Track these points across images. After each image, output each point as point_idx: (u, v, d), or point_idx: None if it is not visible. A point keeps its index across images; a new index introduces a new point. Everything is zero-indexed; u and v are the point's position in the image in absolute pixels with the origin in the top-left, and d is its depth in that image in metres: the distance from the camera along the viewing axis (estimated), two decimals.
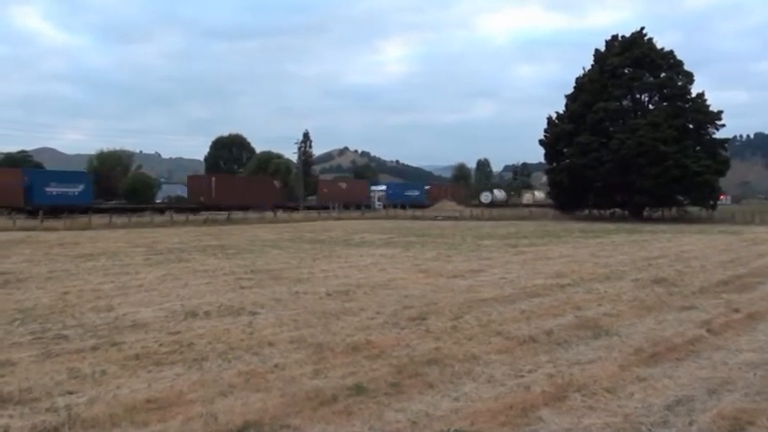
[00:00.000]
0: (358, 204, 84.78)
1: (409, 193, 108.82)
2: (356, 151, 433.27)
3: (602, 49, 64.96)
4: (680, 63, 61.79)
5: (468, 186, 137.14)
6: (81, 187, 67.21)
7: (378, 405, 6.53)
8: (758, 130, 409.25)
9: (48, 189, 63.18)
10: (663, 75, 61.49)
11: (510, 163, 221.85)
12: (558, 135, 64.40)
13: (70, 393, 6.85)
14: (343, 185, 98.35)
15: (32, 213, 52.22)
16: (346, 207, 77.79)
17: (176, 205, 71.80)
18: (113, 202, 78.75)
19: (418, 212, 74.85)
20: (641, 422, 6.10)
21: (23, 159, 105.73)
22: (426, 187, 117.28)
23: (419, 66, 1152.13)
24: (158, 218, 55.34)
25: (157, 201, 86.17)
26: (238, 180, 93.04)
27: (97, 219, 50.20)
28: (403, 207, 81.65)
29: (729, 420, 6.16)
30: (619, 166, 57.42)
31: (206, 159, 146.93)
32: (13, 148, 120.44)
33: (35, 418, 6.10)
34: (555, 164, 66.54)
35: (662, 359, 8.42)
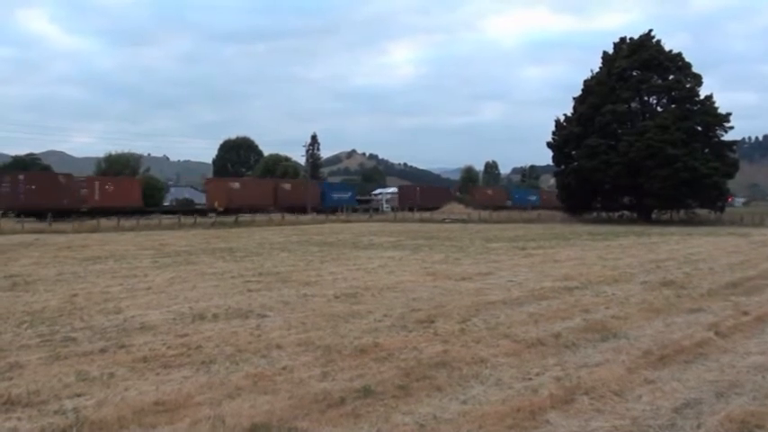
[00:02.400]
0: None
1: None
2: (364, 154, 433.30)
3: (610, 51, 65.04)
4: (688, 65, 61.81)
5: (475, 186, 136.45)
6: (350, 194, 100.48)
7: (385, 408, 6.53)
8: (767, 132, 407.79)
9: (333, 195, 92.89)
10: (671, 77, 61.53)
11: (518, 165, 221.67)
12: (566, 137, 64.45)
13: (78, 396, 6.86)
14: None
15: (321, 212, 75.45)
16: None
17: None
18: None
19: (426, 215, 74.75)
20: (649, 425, 6.09)
21: (32, 162, 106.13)
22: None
23: (427, 68, 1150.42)
24: (166, 220, 55.38)
25: (165, 204, 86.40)
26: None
27: (105, 221, 50.30)
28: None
29: (737, 423, 6.13)
30: (627, 169, 57.43)
31: (214, 162, 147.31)
32: (22, 150, 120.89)
33: (43, 421, 6.11)
34: (563, 166, 66.64)
35: (670, 362, 8.39)
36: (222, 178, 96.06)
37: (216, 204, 73.88)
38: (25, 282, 16.32)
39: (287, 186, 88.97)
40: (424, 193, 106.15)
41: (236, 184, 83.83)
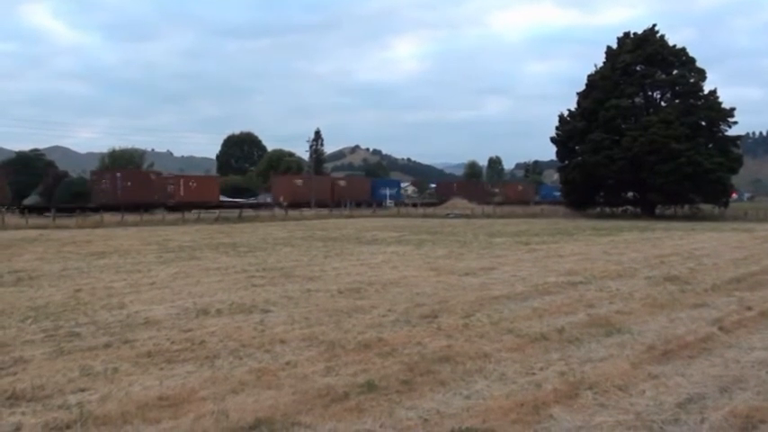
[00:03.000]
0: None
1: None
2: (368, 149, 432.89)
3: (614, 46, 64.82)
4: (692, 60, 61.65)
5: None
6: (396, 189, 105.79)
7: (389, 403, 6.53)
8: None
9: (380, 191, 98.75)
10: (675, 72, 61.36)
11: (522, 160, 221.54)
12: (569, 132, 64.33)
13: (82, 391, 6.87)
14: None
15: (370, 206, 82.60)
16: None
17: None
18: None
19: (429, 210, 74.85)
20: (653, 420, 6.08)
21: (36, 158, 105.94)
22: None
23: (431, 63, 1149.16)
24: (170, 216, 55.42)
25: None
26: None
27: (109, 217, 50.39)
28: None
29: (741, 419, 6.13)
30: (631, 164, 57.32)
31: (218, 157, 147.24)
32: (25, 146, 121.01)
33: (47, 416, 6.12)
34: (567, 161, 66.47)
35: (674, 357, 8.39)
36: (287, 175, 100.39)
37: (281, 199, 78.04)
38: (29, 277, 16.36)
39: (342, 183, 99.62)
40: (461, 188, 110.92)
41: (300, 181, 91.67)
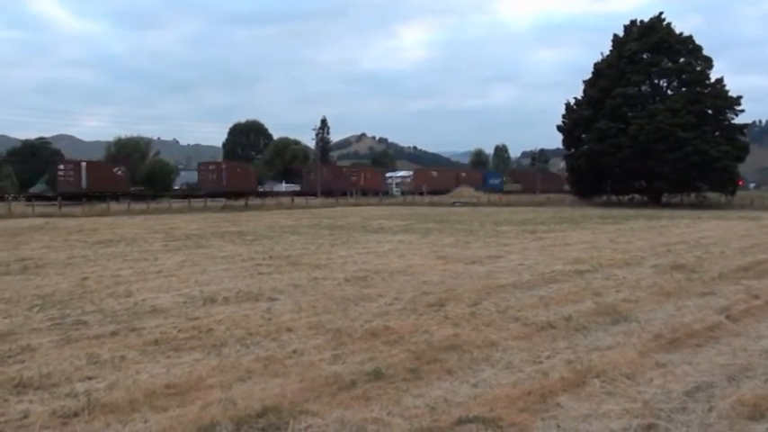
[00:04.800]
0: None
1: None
2: (374, 137, 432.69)
3: (621, 34, 64.68)
4: (699, 48, 61.55)
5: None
6: (500, 180, 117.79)
7: (396, 391, 6.53)
8: None
9: (490, 180, 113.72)
10: (681, 60, 61.29)
11: (528, 149, 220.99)
12: (576, 121, 64.33)
13: (90, 379, 6.88)
14: None
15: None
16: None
17: None
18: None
19: (436, 199, 74.89)
20: (660, 408, 6.07)
21: (42, 146, 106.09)
22: None
23: (437, 51, 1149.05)
24: (176, 204, 55.64)
25: (176, 188, 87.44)
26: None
27: (115, 205, 50.56)
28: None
29: (749, 407, 6.11)
30: (637, 152, 57.26)
31: (224, 145, 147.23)
32: (31, 134, 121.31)
33: (55, 404, 6.13)
34: (573, 150, 66.55)
35: (681, 345, 8.37)
36: (426, 168, 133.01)
37: (423, 188, 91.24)
38: (36, 265, 16.37)
39: (464, 174, 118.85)
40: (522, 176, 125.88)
41: (435, 173, 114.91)
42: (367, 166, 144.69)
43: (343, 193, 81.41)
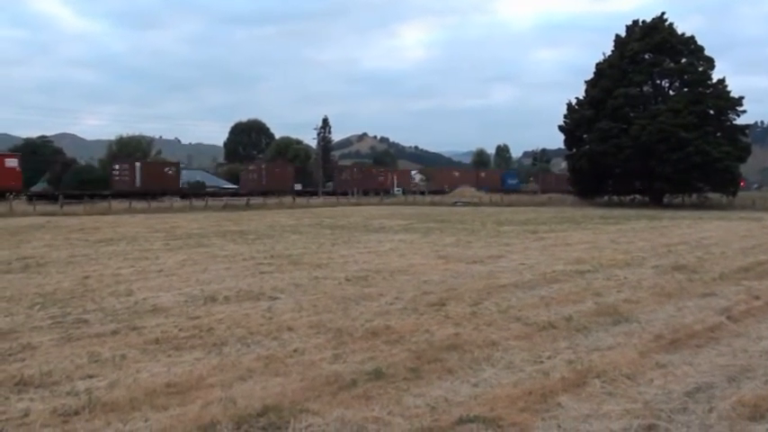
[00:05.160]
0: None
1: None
2: (375, 137, 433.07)
3: (623, 34, 64.68)
4: (701, 48, 61.54)
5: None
6: (516, 180, 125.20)
7: (397, 390, 6.53)
8: None
9: (509, 181, 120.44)
10: (683, 60, 61.30)
11: (529, 149, 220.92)
12: (577, 121, 64.32)
13: (90, 377, 6.88)
14: None
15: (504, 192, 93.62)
16: None
17: None
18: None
19: (437, 198, 74.95)
20: (661, 409, 6.07)
21: (43, 145, 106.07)
22: None
23: (438, 51, 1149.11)
24: (178, 203, 55.82)
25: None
26: None
27: (117, 204, 50.63)
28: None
29: (749, 408, 6.11)
30: (639, 153, 57.26)
31: (225, 145, 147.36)
32: (33, 133, 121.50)
33: (56, 402, 6.13)
34: (575, 150, 66.54)
35: (682, 346, 8.37)
36: (449, 168, 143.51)
37: (446, 187, 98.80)
38: (37, 264, 16.38)
39: (483, 174, 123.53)
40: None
41: (457, 173, 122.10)
42: (370, 164, 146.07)
43: (376, 193, 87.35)
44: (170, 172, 78.04)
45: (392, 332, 8.91)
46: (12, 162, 64.58)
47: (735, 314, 10.40)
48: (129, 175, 72.77)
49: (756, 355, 7.98)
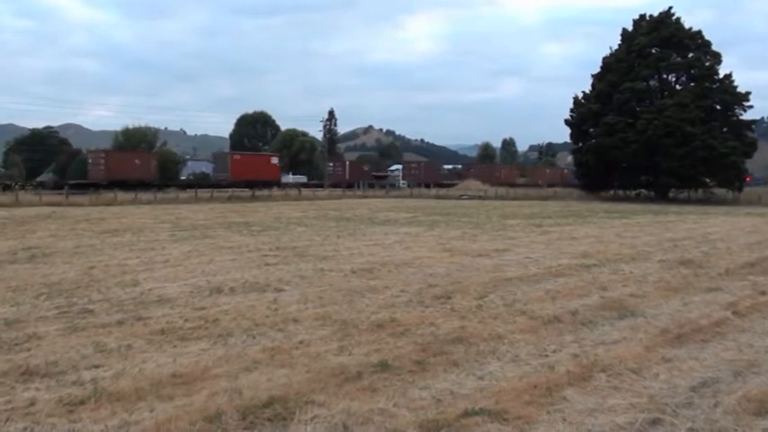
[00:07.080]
0: None
1: None
2: (381, 129, 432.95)
3: (630, 28, 64.50)
4: (708, 43, 61.39)
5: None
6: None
7: (402, 382, 6.54)
8: None
9: None
10: (690, 55, 61.15)
11: (535, 143, 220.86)
12: (584, 115, 64.21)
13: (96, 367, 6.89)
14: None
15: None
16: None
17: None
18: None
19: (443, 192, 74.96)
20: (666, 403, 6.07)
21: (49, 135, 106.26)
22: None
23: (445, 44, 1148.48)
24: (183, 194, 55.80)
25: (182, 178, 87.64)
26: None
27: (122, 194, 50.65)
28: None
29: (755, 403, 6.10)
30: (645, 147, 57.18)
31: (231, 136, 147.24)
32: (39, 123, 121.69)
33: (61, 391, 6.14)
34: (581, 144, 66.50)
35: (687, 340, 8.36)
36: (493, 165, 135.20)
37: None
38: (43, 254, 16.40)
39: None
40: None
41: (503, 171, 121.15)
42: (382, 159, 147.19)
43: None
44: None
45: (398, 325, 8.91)
46: (274, 160, 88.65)
47: (740, 309, 10.39)
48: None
49: (762, 350, 7.97)
